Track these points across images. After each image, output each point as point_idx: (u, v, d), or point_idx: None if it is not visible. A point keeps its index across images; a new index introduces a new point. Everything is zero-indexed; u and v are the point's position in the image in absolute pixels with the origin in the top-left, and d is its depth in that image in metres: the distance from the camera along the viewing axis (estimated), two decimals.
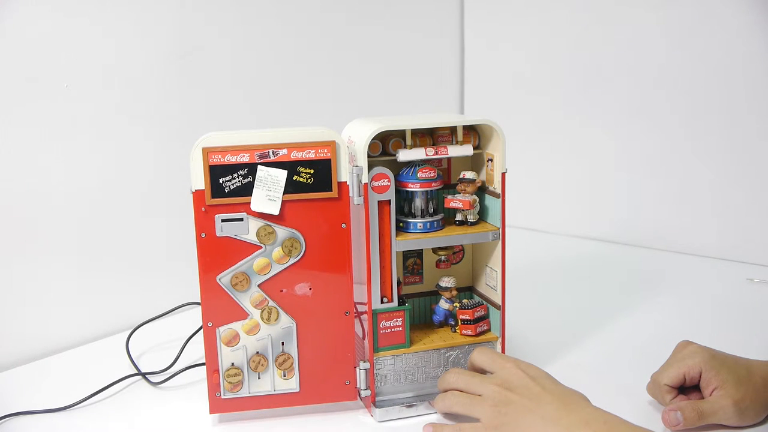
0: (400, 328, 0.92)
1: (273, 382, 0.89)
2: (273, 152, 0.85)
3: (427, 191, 0.93)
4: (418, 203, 0.93)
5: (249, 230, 0.86)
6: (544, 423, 0.76)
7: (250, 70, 1.34)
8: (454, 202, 0.93)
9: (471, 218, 0.94)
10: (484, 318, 0.96)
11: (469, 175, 0.93)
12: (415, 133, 0.93)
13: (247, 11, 1.32)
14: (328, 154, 0.86)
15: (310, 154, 0.86)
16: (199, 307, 0.88)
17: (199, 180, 0.84)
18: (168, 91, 1.22)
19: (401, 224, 0.92)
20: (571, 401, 0.78)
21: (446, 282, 0.96)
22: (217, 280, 0.86)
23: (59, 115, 1.10)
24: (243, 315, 0.88)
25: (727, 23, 1.37)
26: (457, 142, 0.94)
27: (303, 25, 1.41)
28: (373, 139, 0.86)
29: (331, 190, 0.87)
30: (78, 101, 1.11)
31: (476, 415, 0.81)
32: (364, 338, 0.91)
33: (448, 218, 0.97)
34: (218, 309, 0.87)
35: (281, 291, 0.88)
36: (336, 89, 1.48)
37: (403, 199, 0.94)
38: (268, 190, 0.85)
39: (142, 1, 1.17)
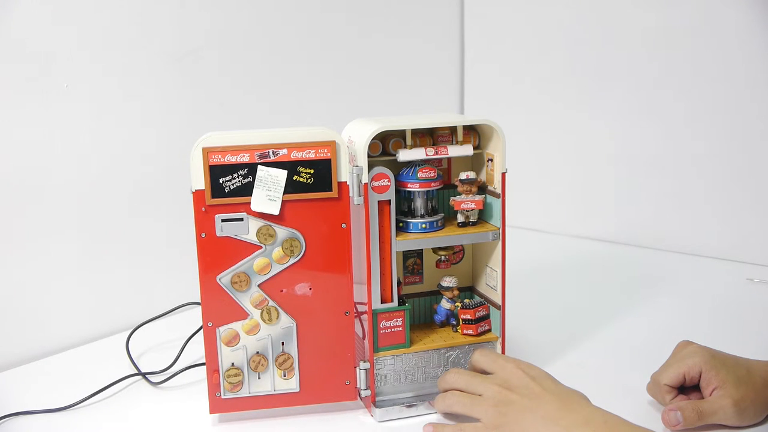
0: (400, 328, 0.92)
1: (273, 382, 0.89)
2: (273, 152, 0.85)
3: (427, 191, 0.93)
4: (419, 203, 0.93)
5: (249, 230, 0.86)
6: (545, 423, 0.76)
7: (251, 70, 1.34)
8: (466, 203, 0.92)
9: (472, 218, 0.94)
10: (485, 318, 0.96)
11: (471, 174, 0.93)
12: (415, 133, 0.93)
13: (247, 11, 1.32)
14: (328, 154, 0.86)
15: (310, 154, 0.86)
16: (199, 307, 0.88)
17: (199, 180, 0.84)
18: (168, 91, 1.22)
19: (401, 224, 0.92)
20: (572, 401, 0.78)
21: (448, 282, 0.96)
22: (217, 280, 0.86)
23: (59, 114, 1.10)
24: (243, 315, 0.88)
25: (727, 23, 1.37)
26: (457, 142, 0.93)
27: (303, 25, 1.41)
28: (373, 139, 0.86)
29: (331, 190, 0.87)
30: (78, 101, 1.11)
31: (477, 415, 0.81)
32: (364, 338, 0.91)
33: (449, 218, 0.97)
34: (218, 309, 0.87)
35: (281, 291, 0.88)
36: (336, 89, 1.48)
37: (403, 199, 0.94)
38: (268, 190, 0.85)
39: (143, 1, 1.17)
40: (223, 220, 0.85)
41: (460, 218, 0.94)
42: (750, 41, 1.35)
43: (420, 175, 0.91)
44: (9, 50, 1.04)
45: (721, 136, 1.41)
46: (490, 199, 0.94)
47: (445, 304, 0.97)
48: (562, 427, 0.75)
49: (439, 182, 0.92)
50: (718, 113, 1.41)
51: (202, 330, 0.89)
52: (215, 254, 0.86)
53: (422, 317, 1.01)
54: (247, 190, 0.85)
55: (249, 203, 0.85)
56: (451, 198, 0.93)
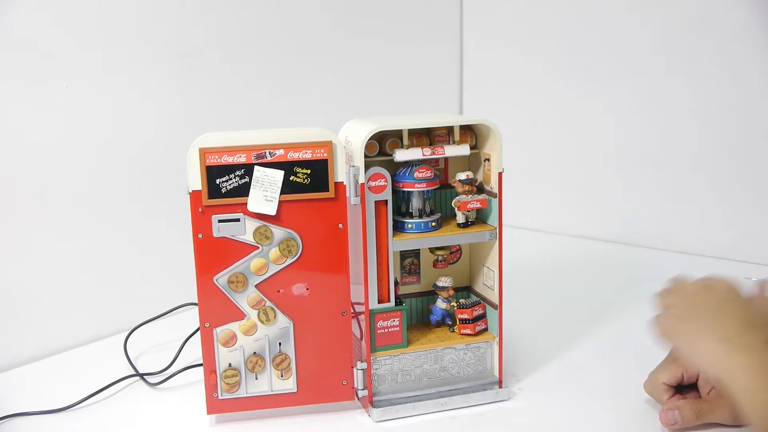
0: (397, 328, 0.92)
1: (270, 382, 0.89)
2: (270, 153, 0.85)
3: (424, 191, 0.92)
4: (415, 203, 0.93)
5: (246, 231, 0.86)
6: (714, 332, 0.75)
7: (248, 70, 1.34)
8: (472, 203, 0.92)
9: (471, 218, 0.94)
10: (482, 317, 0.95)
11: (471, 175, 0.93)
12: (412, 133, 0.93)
13: (246, 11, 1.32)
14: (325, 155, 0.86)
15: (307, 155, 0.86)
16: (197, 308, 0.88)
17: (196, 180, 0.84)
18: (166, 92, 1.22)
19: (410, 226, 0.92)
20: (754, 323, 0.76)
21: (443, 281, 0.96)
22: (214, 281, 0.86)
23: (58, 114, 1.10)
24: (240, 315, 0.88)
25: (728, 23, 1.37)
26: (454, 142, 0.93)
27: (301, 25, 1.41)
28: (369, 139, 0.86)
29: (328, 191, 0.87)
30: (77, 101, 1.11)
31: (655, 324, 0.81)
32: (361, 338, 0.91)
33: (445, 218, 0.96)
34: (215, 309, 0.87)
35: (278, 291, 0.88)
36: (333, 89, 1.48)
37: (400, 199, 0.94)
38: (265, 190, 0.85)
39: (143, 1, 1.17)
40: (220, 221, 0.85)
41: (462, 218, 0.94)
42: (751, 41, 1.35)
43: (417, 175, 0.91)
44: (9, 50, 1.04)
45: (721, 136, 1.41)
46: (487, 198, 0.94)
47: (440, 304, 0.97)
48: (730, 344, 0.73)
49: (435, 182, 0.92)
50: (718, 113, 1.41)
51: (199, 331, 0.90)
52: (212, 255, 0.86)
53: (419, 317, 1.01)
54: (243, 190, 0.85)
55: (246, 204, 0.85)
56: (456, 199, 0.93)
